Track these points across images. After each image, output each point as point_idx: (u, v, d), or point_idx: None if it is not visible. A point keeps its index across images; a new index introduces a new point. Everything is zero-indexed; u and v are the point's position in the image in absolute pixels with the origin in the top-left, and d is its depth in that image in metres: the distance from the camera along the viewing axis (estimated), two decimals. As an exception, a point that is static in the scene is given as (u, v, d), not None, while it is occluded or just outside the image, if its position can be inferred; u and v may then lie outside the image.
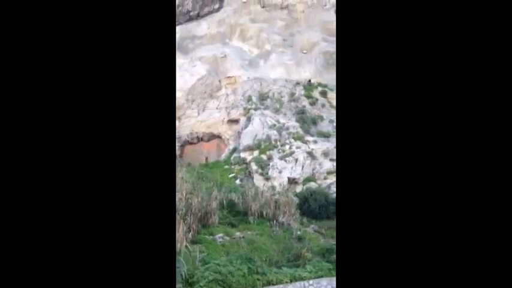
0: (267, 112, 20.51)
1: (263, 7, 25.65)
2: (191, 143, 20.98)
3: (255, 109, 20.71)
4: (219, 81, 22.67)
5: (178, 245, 7.29)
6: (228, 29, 24.84)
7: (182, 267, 5.63)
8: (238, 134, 19.78)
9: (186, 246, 6.64)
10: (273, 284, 6.54)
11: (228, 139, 20.35)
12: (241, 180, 16.31)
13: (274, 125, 19.28)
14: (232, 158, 18.61)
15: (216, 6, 25.56)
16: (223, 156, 19.70)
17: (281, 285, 6.51)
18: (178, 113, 21.32)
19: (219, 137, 20.77)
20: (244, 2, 25.44)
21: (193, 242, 8.24)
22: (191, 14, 24.99)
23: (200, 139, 20.93)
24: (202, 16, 25.23)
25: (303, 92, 22.11)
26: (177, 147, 20.35)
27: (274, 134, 18.69)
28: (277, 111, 20.84)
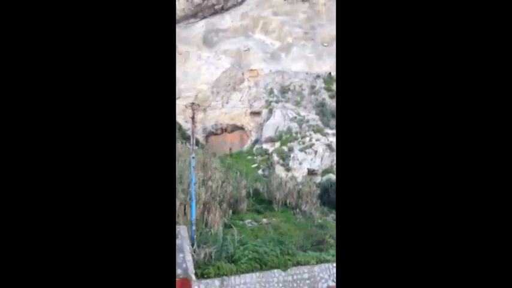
0: (288, 105, 21.19)
1: (285, 0, 26.02)
2: (215, 134, 21.94)
3: (277, 102, 21.41)
4: (242, 74, 23.41)
5: (215, 227, 8.31)
6: (251, 22, 25.37)
7: (229, 246, 6.57)
8: (260, 126, 20.57)
9: (230, 226, 7.55)
10: (302, 265, 7.47)
11: (250, 130, 21.18)
12: (263, 171, 17.21)
13: (295, 118, 19.97)
14: (254, 149, 19.48)
15: (240, -1, 26.08)
16: (245, 147, 20.59)
17: (309, 266, 7.43)
18: (203, 105, 22.25)
19: (241, 128, 21.62)
20: (267, -5, 25.82)
21: (227, 226, 9.25)
22: (216, 7, 25.62)
23: (224, 130, 21.85)
24: (227, 9, 25.82)
25: (323, 85, 22.62)
26: (202, 138, 21.37)
27: (295, 126, 19.42)
28: (297, 104, 21.48)
